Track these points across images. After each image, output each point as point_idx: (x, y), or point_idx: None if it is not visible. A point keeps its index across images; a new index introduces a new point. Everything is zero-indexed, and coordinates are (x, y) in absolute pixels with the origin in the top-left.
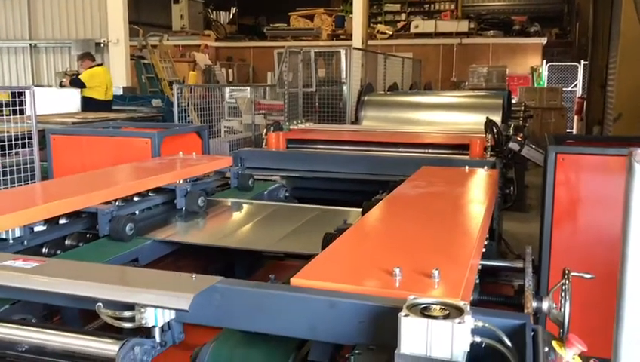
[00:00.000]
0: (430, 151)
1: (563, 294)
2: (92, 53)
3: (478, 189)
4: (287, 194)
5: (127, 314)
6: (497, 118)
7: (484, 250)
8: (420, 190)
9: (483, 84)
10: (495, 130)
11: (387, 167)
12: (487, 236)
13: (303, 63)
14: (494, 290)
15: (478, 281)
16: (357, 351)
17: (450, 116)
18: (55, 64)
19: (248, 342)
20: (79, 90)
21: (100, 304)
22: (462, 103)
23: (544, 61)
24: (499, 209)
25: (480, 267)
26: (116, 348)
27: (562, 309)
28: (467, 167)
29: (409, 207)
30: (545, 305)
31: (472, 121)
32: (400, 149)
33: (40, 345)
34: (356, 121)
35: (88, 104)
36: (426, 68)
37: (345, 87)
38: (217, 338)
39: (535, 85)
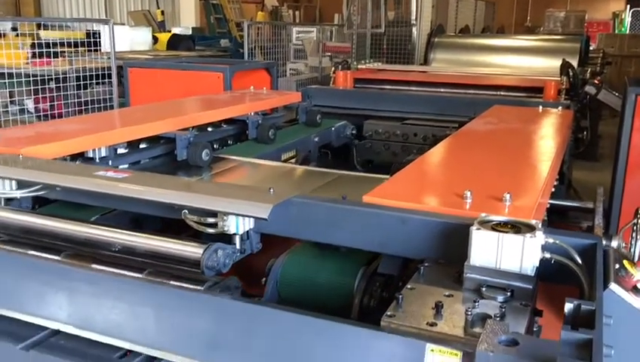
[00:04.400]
0: (502, 93)
1: (634, 234)
2: None
3: (550, 128)
4: (353, 132)
5: (210, 220)
6: (573, 64)
7: (552, 189)
8: (491, 126)
9: (559, 30)
10: (571, 73)
11: (457, 107)
12: (557, 178)
13: (373, 4)
14: None
15: (546, 219)
16: (426, 264)
17: (524, 60)
18: (127, 3)
19: (321, 255)
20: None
21: (186, 211)
22: (536, 47)
23: (628, 6)
24: (570, 153)
25: (548, 205)
26: (201, 250)
27: (632, 249)
28: (540, 107)
29: (480, 140)
30: (614, 243)
31: (547, 66)
32: (470, 91)
33: (131, 247)
34: (425, 63)
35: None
36: (500, 12)
37: (414, 29)
38: (291, 251)
39: (616, 32)
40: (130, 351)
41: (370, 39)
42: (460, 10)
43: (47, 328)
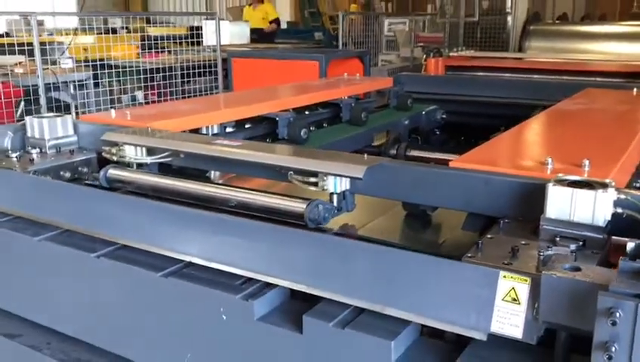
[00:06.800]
0: (598, 79)
1: None
2: None
3: None
4: (444, 116)
5: (312, 179)
6: None
7: None
8: (580, 106)
9: None
10: None
11: (552, 92)
12: None
13: None
14: None
15: None
16: (506, 220)
17: (626, 47)
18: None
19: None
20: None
21: (292, 172)
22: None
23: None
24: None
25: (639, 185)
26: (304, 205)
27: None
28: (635, 89)
29: (567, 117)
30: None
31: None
32: (565, 77)
33: (245, 202)
34: (520, 52)
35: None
36: None
37: (509, 17)
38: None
39: None
40: (250, 279)
41: (463, 28)
42: None
43: (181, 261)
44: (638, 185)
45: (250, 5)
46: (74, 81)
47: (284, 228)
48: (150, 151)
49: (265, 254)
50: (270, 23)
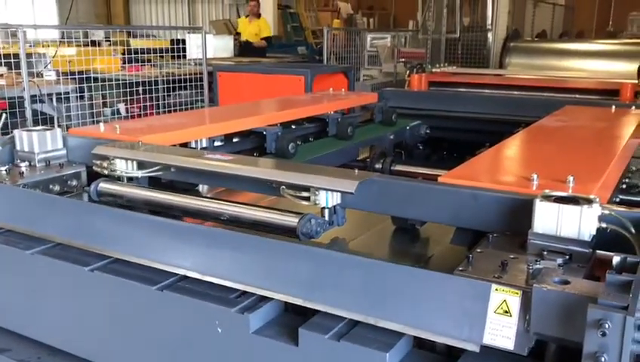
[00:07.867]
0: (577, 96)
1: None
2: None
3: (622, 125)
4: (427, 131)
5: (304, 193)
6: None
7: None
8: (561, 123)
9: None
10: None
11: (533, 109)
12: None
13: (448, 9)
14: None
15: None
16: (495, 235)
17: (602, 64)
18: (209, 13)
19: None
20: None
21: (284, 186)
22: (615, 51)
23: None
24: None
25: (618, 200)
26: (297, 219)
27: None
28: (613, 107)
29: (551, 134)
30: None
31: (626, 70)
32: (545, 93)
33: (237, 216)
34: (500, 68)
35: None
36: (580, 17)
37: (490, 34)
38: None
39: None
40: (245, 292)
41: (444, 44)
42: (536, 16)
43: (176, 274)
44: (618, 200)
45: (246, 17)
46: (59, 94)
47: (280, 242)
48: (141, 165)
49: (260, 267)
50: (261, 39)
